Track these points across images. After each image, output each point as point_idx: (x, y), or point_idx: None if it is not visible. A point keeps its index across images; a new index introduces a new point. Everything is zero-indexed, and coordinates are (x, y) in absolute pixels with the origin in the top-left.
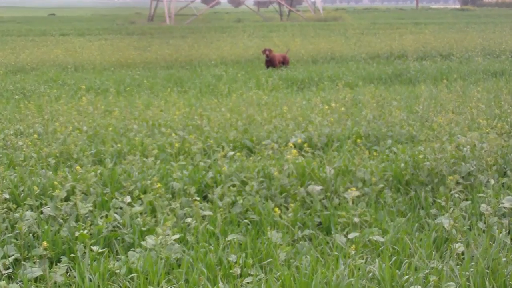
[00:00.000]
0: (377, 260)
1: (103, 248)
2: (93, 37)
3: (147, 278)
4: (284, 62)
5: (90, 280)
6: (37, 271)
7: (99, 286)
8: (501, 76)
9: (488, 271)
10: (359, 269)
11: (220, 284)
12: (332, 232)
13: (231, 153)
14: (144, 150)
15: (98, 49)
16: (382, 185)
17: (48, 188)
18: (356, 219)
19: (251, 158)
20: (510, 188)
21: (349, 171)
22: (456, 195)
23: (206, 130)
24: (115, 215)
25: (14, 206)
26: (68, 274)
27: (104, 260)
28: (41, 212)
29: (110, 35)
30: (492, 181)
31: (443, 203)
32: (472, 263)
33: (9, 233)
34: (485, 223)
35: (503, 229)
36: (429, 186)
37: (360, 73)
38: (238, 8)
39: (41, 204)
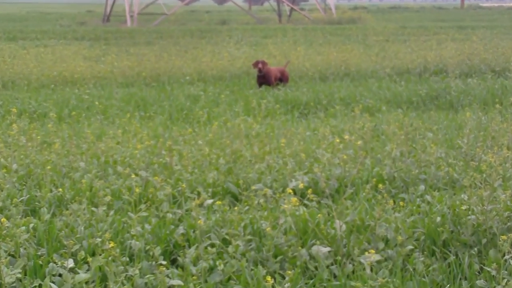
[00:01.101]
0: None
1: None
2: (28, 43)
3: None
4: (282, 78)
5: None
6: None
7: None
8: None
9: None
10: None
11: None
12: None
13: (210, 201)
14: (94, 197)
15: (34, 59)
16: (411, 247)
17: None
18: None
19: (236, 208)
20: None
21: (367, 227)
22: None
23: (176, 170)
24: (52, 285)
25: None
26: None
27: None
28: None
29: (52, 40)
30: None
31: (494, 272)
32: None
33: None
34: None
35: None
36: (475, 249)
37: (384, 94)
38: (222, 6)
39: None
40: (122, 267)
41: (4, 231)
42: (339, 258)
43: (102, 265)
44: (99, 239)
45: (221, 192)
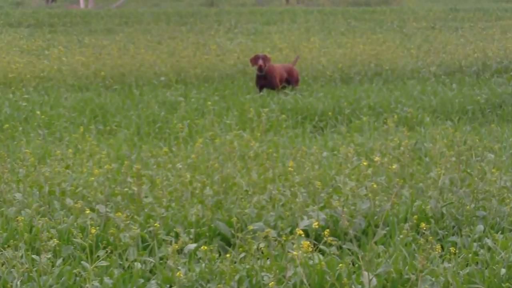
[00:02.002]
0: None
1: None
2: None
3: None
4: (290, 79)
5: None
6: None
7: None
8: None
9: None
10: None
11: None
12: None
13: (192, 246)
14: (34, 240)
15: None
16: None
17: None
18: None
19: (228, 255)
20: None
21: (406, 282)
22: None
23: (147, 204)
24: None
25: None
26: None
27: None
28: None
29: None
30: None
31: None
32: None
33: None
34: None
35: None
36: None
37: (428, 101)
38: None
39: None
40: None
41: None
42: None
43: None
44: None
45: (207, 234)
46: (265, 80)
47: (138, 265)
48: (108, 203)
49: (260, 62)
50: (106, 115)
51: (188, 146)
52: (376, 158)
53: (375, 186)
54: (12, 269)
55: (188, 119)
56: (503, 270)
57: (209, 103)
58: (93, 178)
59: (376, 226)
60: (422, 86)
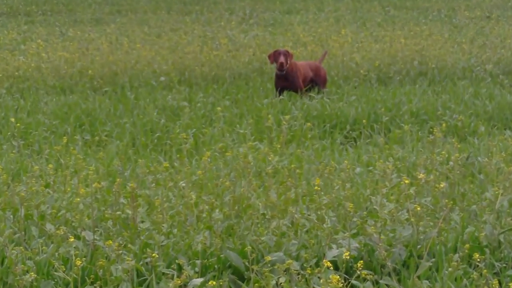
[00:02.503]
0: None
1: None
2: None
3: None
4: (317, 79)
5: None
6: None
7: None
8: None
9: None
10: None
11: None
12: None
13: (198, 280)
14: (7, 274)
15: None
16: None
17: None
18: None
19: None
20: None
21: None
22: None
23: (143, 230)
24: None
25: None
26: None
27: None
28: None
29: None
30: None
31: None
32: None
33: None
34: None
35: None
36: None
37: (482, 106)
38: None
39: None
40: None
41: None
42: None
43: None
44: None
45: (216, 266)
46: (287, 81)
47: None
48: (96, 229)
49: (281, 59)
50: (95, 123)
51: (193, 160)
52: (420, 175)
53: (418, 208)
54: None
55: (193, 128)
56: None
57: (219, 108)
58: (78, 199)
59: (420, 257)
60: (475, 88)
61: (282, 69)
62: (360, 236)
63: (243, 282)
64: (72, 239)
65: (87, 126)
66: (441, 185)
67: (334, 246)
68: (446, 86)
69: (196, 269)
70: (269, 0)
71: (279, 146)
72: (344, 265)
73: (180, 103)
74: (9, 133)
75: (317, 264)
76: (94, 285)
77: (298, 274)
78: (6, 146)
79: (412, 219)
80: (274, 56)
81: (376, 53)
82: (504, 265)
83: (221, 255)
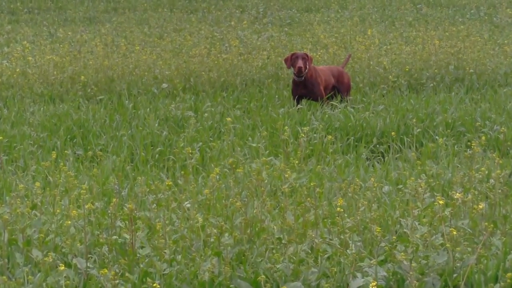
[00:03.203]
0: None
1: None
2: None
3: None
4: (339, 86)
5: None
6: None
7: None
8: None
9: None
10: None
11: None
12: None
13: None
14: None
15: None
16: None
17: None
18: None
19: None
20: None
21: None
22: None
23: (143, 257)
24: None
25: None
26: None
27: None
28: None
29: None
30: None
31: None
32: None
33: None
34: None
35: None
36: None
37: None
38: None
39: None
40: None
41: None
42: None
43: None
44: None
45: None
46: (305, 88)
47: None
48: (90, 256)
49: (299, 63)
50: (88, 136)
51: (200, 178)
52: (457, 195)
53: (454, 232)
54: None
55: (199, 141)
56: None
57: (229, 119)
58: (69, 222)
59: (456, 287)
60: None
61: (300, 74)
62: (388, 263)
63: None
64: (62, 268)
65: (79, 139)
66: (480, 206)
67: (359, 274)
68: (486, 94)
69: None
70: None
71: (296, 161)
72: None
73: (185, 113)
74: None
75: None
76: None
77: None
78: None
79: (447, 244)
80: (291, 60)
81: (407, 56)
82: None
83: (231, 285)
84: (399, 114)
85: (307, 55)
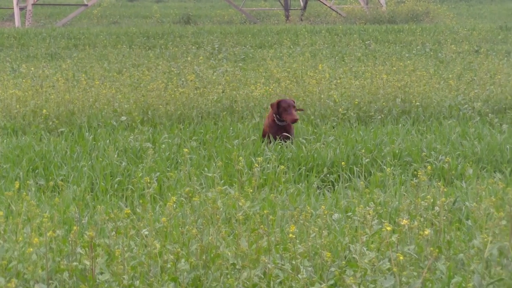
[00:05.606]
0: None
1: None
2: None
3: None
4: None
5: None
6: None
7: None
8: None
9: None
10: None
11: None
12: None
13: None
14: None
15: None
16: None
17: None
18: None
19: None
20: None
21: None
22: None
23: (103, 282)
24: None
25: None
26: None
27: None
28: None
29: None
30: None
31: None
32: None
33: None
34: None
35: None
36: None
37: (470, 147)
38: None
39: None
40: None
41: None
42: None
43: None
44: None
45: None
46: (285, 130)
47: None
48: (51, 281)
49: (294, 114)
50: (49, 167)
51: (157, 206)
52: (403, 222)
53: (401, 258)
54: None
55: (157, 171)
56: None
57: (186, 150)
58: (31, 249)
59: None
60: (463, 128)
61: (294, 123)
62: (338, 287)
63: None
64: None
65: (41, 170)
66: (426, 232)
67: None
68: (432, 126)
69: None
70: (239, 33)
71: (250, 190)
72: None
73: (143, 144)
74: None
75: None
76: None
77: None
78: None
79: (394, 269)
80: (282, 109)
81: (356, 90)
82: None
83: None
84: (349, 145)
85: (293, 101)
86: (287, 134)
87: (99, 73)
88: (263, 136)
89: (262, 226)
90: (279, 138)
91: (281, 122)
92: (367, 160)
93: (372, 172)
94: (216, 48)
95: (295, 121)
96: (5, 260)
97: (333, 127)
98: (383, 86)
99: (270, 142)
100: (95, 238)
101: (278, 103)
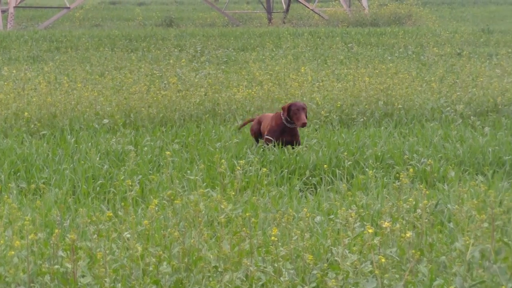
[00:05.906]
0: None
1: None
2: None
3: None
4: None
5: None
6: None
7: None
8: None
9: None
10: None
11: None
12: None
13: None
14: None
15: None
16: None
17: None
18: None
19: None
20: None
21: None
22: None
23: (85, 285)
24: None
25: None
26: None
27: None
28: None
29: None
30: None
31: None
32: None
33: None
34: None
35: None
36: None
37: (452, 149)
38: None
39: None
40: None
41: None
42: None
43: None
44: None
45: None
46: (291, 136)
47: None
48: (32, 284)
49: (304, 118)
50: (31, 170)
51: (139, 209)
52: (385, 224)
53: (383, 260)
54: None
55: (139, 174)
56: None
57: (168, 153)
58: (12, 252)
59: None
60: (445, 131)
61: (303, 127)
62: None
63: None
64: None
65: (22, 172)
66: (408, 235)
67: None
68: (414, 128)
69: None
70: (222, 36)
71: (233, 193)
72: None
73: (125, 147)
74: None
75: None
76: None
77: None
78: None
79: (376, 272)
80: (292, 112)
81: (338, 92)
82: None
83: None
84: (331, 147)
85: (305, 105)
86: (291, 138)
87: (81, 76)
88: (252, 134)
89: (244, 228)
90: (282, 141)
91: (290, 124)
92: (349, 163)
93: (355, 174)
94: (199, 51)
95: (304, 125)
96: None
97: (316, 130)
98: (366, 88)
99: (258, 142)
100: (77, 241)
101: (289, 106)
